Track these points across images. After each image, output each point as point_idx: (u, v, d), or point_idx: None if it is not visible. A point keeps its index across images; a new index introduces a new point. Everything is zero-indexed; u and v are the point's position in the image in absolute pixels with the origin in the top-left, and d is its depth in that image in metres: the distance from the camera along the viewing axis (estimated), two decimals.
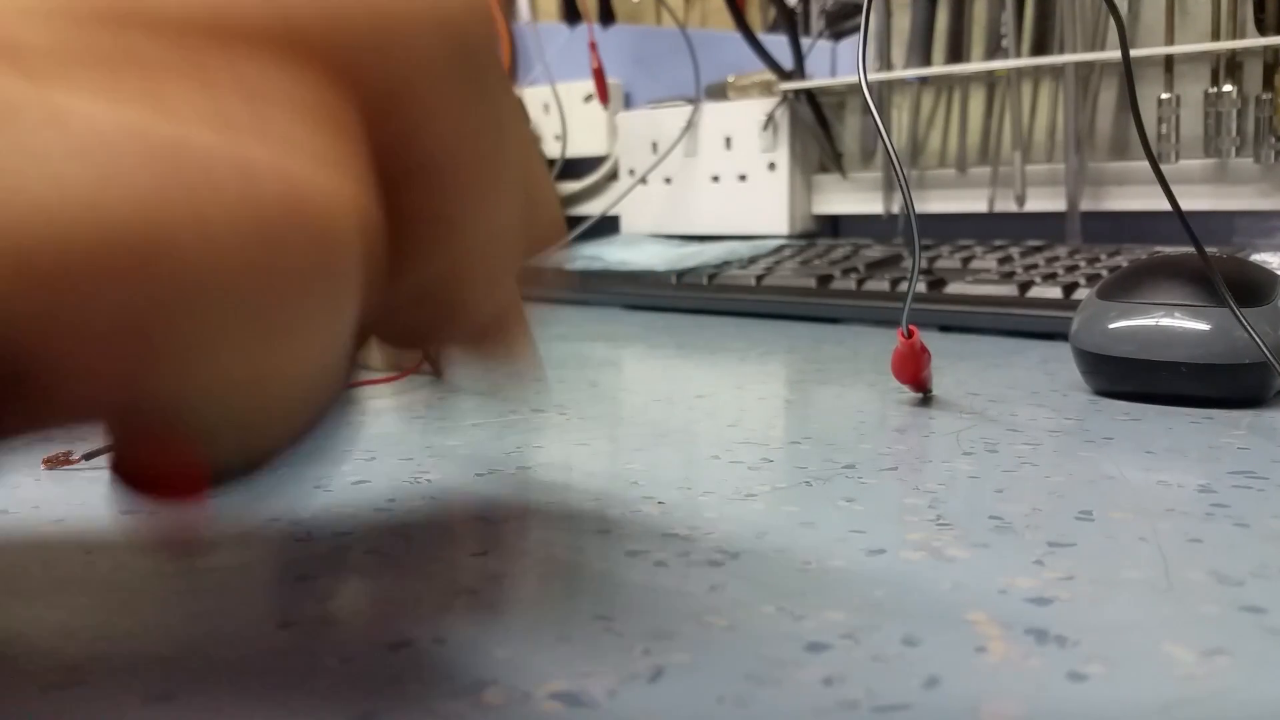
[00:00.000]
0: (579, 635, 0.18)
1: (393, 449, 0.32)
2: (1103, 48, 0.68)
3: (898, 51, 0.77)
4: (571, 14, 0.95)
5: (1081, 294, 0.57)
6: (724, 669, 0.17)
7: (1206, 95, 0.64)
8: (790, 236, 0.82)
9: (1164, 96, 0.66)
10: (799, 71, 0.80)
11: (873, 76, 0.76)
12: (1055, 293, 0.58)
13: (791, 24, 0.80)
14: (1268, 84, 0.63)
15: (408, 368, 0.46)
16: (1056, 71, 0.71)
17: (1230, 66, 0.64)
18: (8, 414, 0.14)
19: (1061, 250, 0.66)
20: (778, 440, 0.33)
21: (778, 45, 0.80)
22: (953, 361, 0.49)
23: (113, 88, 0.13)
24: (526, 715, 0.15)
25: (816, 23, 0.84)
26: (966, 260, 0.67)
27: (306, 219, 0.14)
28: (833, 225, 0.85)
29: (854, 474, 0.29)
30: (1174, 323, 0.38)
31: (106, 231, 0.13)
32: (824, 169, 0.84)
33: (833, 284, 0.67)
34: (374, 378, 0.44)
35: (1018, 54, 0.71)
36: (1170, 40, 0.66)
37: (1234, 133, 0.64)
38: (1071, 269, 0.61)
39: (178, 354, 0.14)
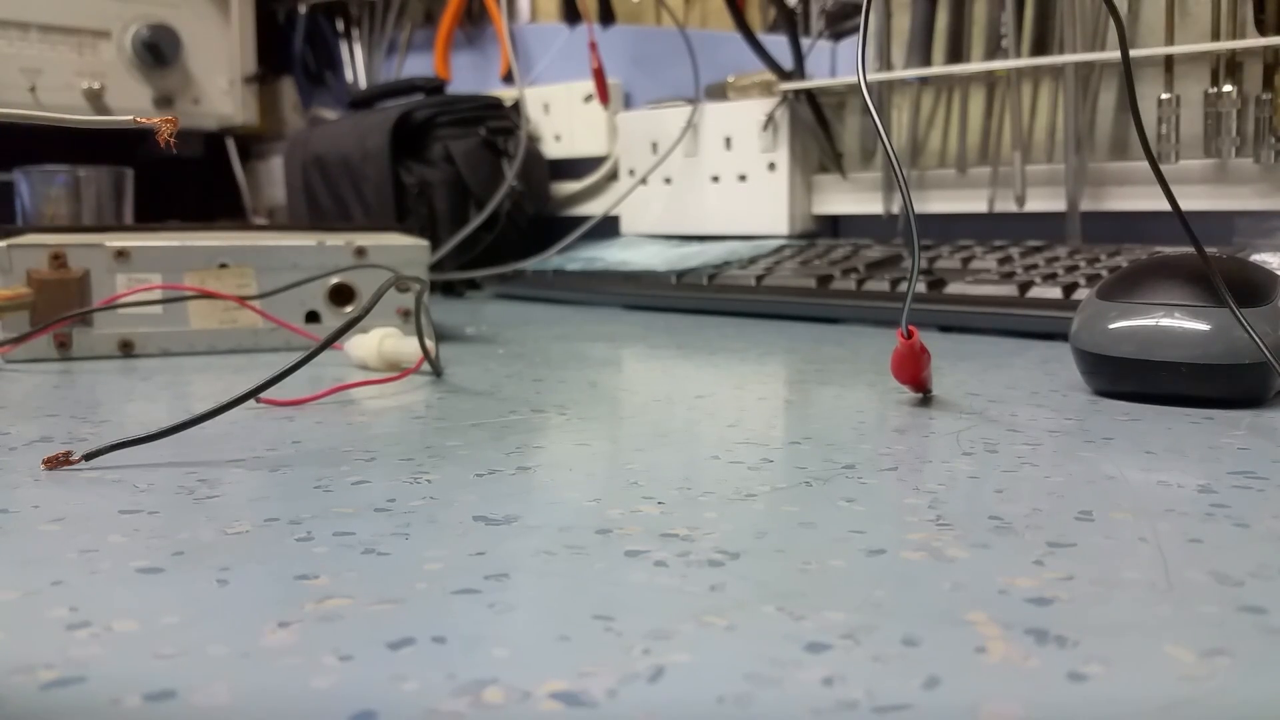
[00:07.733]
0: (579, 635, 0.18)
1: (393, 449, 0.32)
2: (1103, 48, 0.68)
3: (898, 51, 0.77)
4: (571, 14, 0.95)
5: (1081, 294, 0.57)
6: (724, 669, 0.17)
7: (1206, 95, 0.64)
8: (790, 236, 0.82)
9: (1164, 96, 0.66)
10: (799, 71, 0.80)
11: (873, 76, 0.76)
12: (1055, 293, 0.58)
13: (791, 24, 0.80)
14: (1268, 84, 0.63)
15: (408, 368, 0.46)
16: (1056, 71, 0.71)
17: (1230, 66, 0.64)
18: None
19: (1061, 250, 0.66)
20: (778, 440, 0.33)
21: (778, 45, 0.80)
22: (953, 361, 0.49)
23: None
24: (526, 715, 0.15)
25: (816, 23, 0.84)
26: (966, 260, 0.67)
27: None
28: (833, 225, 0.85)
29: (854, 474, 0.29)
30: (1174, 323, 0.38)
31: None
32: (824, 169, 0.84)
33: (833, 284, 0.67)
34: (374, 378, 0.44)
35: (1018, 54, 0.71)
36: (1170, 40, 0.66)
37: (1234, 133, 0.64)
38: (1071, 269, 0.61)
39: None
